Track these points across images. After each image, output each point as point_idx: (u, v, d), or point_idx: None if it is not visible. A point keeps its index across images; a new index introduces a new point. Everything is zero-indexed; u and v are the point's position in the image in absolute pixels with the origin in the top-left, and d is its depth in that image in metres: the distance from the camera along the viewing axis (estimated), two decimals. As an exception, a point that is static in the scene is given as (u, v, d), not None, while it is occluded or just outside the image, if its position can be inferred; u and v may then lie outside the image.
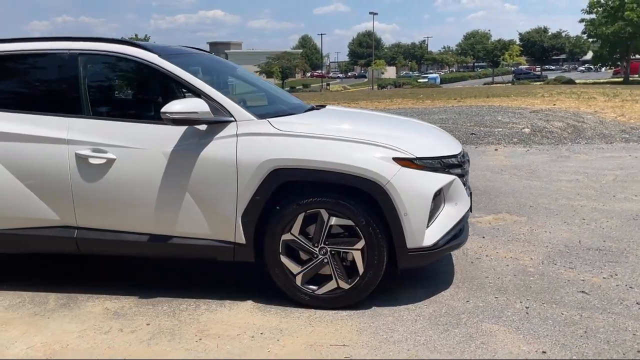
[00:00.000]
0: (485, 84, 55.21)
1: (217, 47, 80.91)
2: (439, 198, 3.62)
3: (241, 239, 3.64)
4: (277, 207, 3.58)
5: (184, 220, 3.70)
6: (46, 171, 3.79)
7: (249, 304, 3.77)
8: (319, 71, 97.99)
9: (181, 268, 4.58)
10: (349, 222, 3.51)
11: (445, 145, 3.91)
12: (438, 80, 63.38)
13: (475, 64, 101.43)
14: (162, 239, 3.77)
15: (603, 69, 65.06)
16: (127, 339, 3.33)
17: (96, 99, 4.01)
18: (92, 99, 3.93)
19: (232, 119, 3.64)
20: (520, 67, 75.71)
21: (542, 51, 74.81)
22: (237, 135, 3.60)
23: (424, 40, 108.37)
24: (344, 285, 3.59)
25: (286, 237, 3.61)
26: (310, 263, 3.62)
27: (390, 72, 79.27)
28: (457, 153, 3.82)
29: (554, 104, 16.91)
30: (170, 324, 3.51)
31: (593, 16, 48.06)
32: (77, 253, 3.95)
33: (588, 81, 49.67)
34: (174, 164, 3.65)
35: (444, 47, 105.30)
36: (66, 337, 3.36)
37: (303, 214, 3.55)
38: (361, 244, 3.52)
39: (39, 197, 3.82)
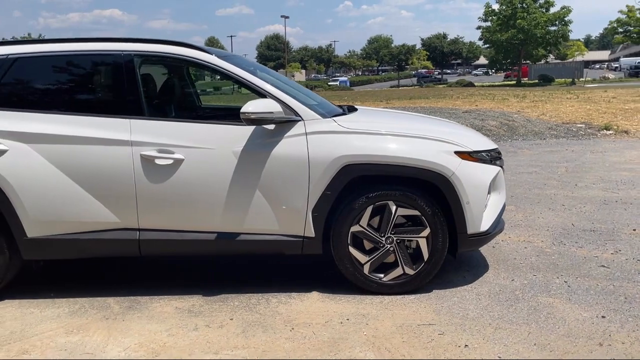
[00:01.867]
0: (392, 86, 57.33)
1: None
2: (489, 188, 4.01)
3: (311, 232, 3.82)
4: (349, 201, 3.79)
5: (253, 217, 3.82)
6: (108, 173, 3.76)
7: (316, 294, 3.95)
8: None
9: (217, 265, 4.66)
10: (415, 212, 3.80)
11: (486, 140, 4.30)
12: (348, 83, 64.96)
13: (380, 68, 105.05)
14: (230, 236, 3.87)
15: (494, 72, 69.52)
16: (220, 333, 3.42)
17: (155, 99, 4.02)
18: (151, 100, 3.94)
19: (300, 118, 3.81)
20: (419, 70, 79.40)
21: (442, 56, 79.00)
22: (306, 134, 3.78)
23: (331, 44, 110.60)
24: (410, 271, 3.87)
25: (354, 228, 3.83)
26: (377, 252, 3.87)
27: (299, 76, 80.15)
28: (496, 147, 4.22)
29: (476, 105, 18.10)
30: (253, 318, 3.62)
31: (489, 24, 51.43)
32: (137, 255, 3.93)
33: (485, 84, 53.15)
34: (244, 162, 3.76)
35: (350, 51, 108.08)
36: (157, 337, 3.39)
37: (372, 206, 3.80)
38: (426, 231, 3.82)
39: (99, 200, 3.79)
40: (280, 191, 3.77)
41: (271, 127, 3.79)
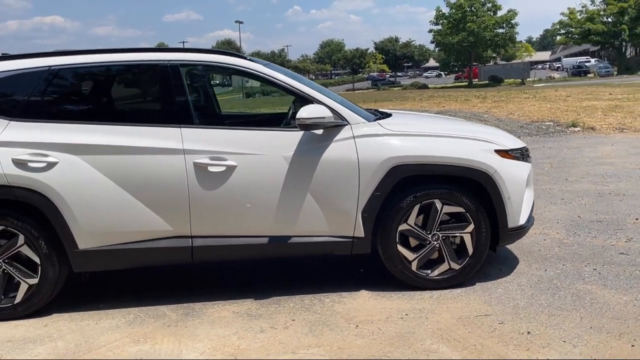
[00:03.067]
0: (347, 90, 57.92)
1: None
2: (523, 183, 4.23)
3: (360, 232, 3.94)
4: (396, 201, 3.94)
5: (305, 219, 3.91)
6: (161, 182, 3.79)
7: (365, 293, 4.08)
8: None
9: (251, 270, 4.72)
10: (460, 209, 3.99)
11: (516, 139, 4.53)
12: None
13: (333, 72, 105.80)
14: (282, 239, 3.95)
15: (445, 74, 71.24)
16: (288, 333, 3.50)
17: (202, 107, 4.06)
18: (199, 108, 3.99)
19: (347, 122, 3.94)
20: (371, 74, 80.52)
21: (395, 59, 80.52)
22: (354, 137, 3.91)
23: (283, 49, 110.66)
24: (455, 266, 4.05)
25: (402, 227, 3.98)
26: (424, 249, 4.03)
27: (252, 81, 79.71)
28: (525, 145, 4.46)
29: (443, 106, 18.59)
30: (314, 317, 3.72)
31: (440, 27, 52.74)
32: (188, 262, 3.96)
33: (438, 85, 54.46)
34: (295, 167, 3.86)
35: (302, 56, 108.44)
36: (228, 341, 3.44)
37: (418, 205, 3.96)
38: (471, 227, 4.01)
39: (152, 209, 3.81)
40: (331, 194, 3.88)
41: (319, 131, 3.90)
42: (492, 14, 50.51)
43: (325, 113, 3.80)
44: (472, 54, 53.07)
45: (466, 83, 53.96)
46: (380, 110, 5.02)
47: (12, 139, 3.73)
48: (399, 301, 3.91)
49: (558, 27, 55.71)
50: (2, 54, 4.35)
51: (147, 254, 3.87)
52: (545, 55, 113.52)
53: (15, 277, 3.82)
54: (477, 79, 56.70)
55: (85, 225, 3.75)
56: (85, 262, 3.84)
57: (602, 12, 52.88)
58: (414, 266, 4.03)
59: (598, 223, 5.56)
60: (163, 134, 3.82)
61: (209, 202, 3.83)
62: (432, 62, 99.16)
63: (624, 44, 54.50)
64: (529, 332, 3.36)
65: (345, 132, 3.92)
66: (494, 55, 54.84)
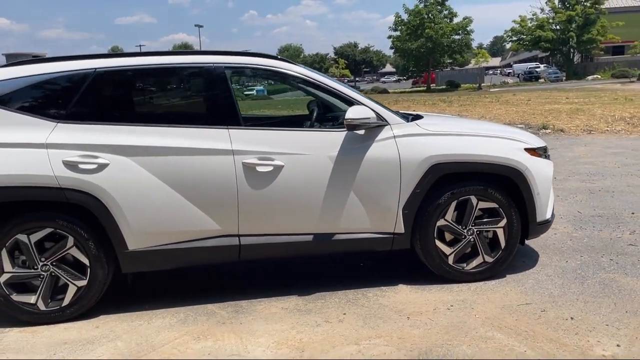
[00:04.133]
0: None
1: (16, 57, 72.99)
2: (547, 180, 4.48)
3: (401, 229, 4.11)
4: (434, 198, 4.12)
5: (348, 217, 4.05)
6: (211, 182, 3.85)
7: (404, 287, 4.24)
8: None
9: (279, 267, 4.83)
10: (494, 205, 4.20)
11: (538, 138, 4.79)
12: (265, 92, 64.96)
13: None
14: (326, 237, 4.07)
15: (404, 79, 72.39)
16: (345, 326, 3.62)
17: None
18: (244, 110, 4.07)
19: (387, 122, 4.10)
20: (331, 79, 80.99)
21: (354, 64, 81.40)
22: (394, 137, 4.07)
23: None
24: (489, 259, 4.26)
25: (440, 223, 4.17)
26: (460, 243, 4.22)
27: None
28: (545, 144, 4.72)
29: (414, 110, 18.97)
30: (363, 311, 3.85)
31: (398, 33, 53.67)
32: (235, 260, 4.04)
33: (397, 90, 55.31)
34: (340, 166, 3.99)
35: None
36: (288, 335, 3.54)
37: (456, 201, 4.15)
38: (503, 222, 4.23)
39: (201, 209, 3.86)
40: (374, 192, 4.03)
41: (361, 132, 4.04)
42: (448, 20, 51.79)
43: (370, 114, 3.95)
44: (429, 59, 54.19)
45: (424, 88, 55.05)
46: (406, 112, 5.19)
47: (62, 140, 3.73)
48: (439, 293, 4.09)
49: (510, 34, 57.45)
50: (34, 56, 4.33)
51: (195, 254, 3.92)
52: (495, 61, 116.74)
53: (64, 279, 3.80)
54: (434, 84, 57.91)
55: (135, 226, 3.78)
56: (134, 263, 3.87)
57: (551, 20, 54.86)
58: (450, 260, 4.22)
59: (599, 218, 5.89)
60: (212, 135, 3.88)
61: (257, 201, 3.91)
62: (388, 68, 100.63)
63: (571, 50, 56.67)
64: (572, 318, 3.59)
65: (385, 132, 4.07)
66: (449, 60, 56.13)
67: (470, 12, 66.74)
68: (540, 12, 55.59)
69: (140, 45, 75.85)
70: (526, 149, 4.26)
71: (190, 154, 3.83)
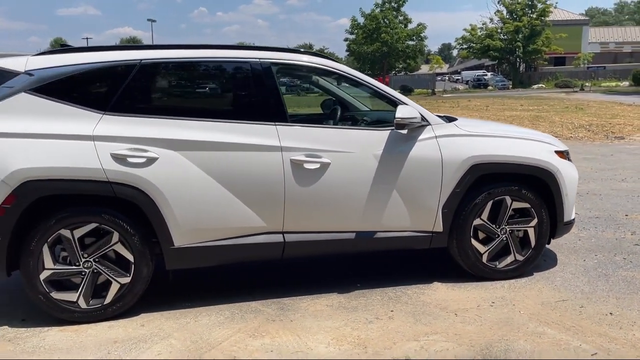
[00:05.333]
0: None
1: (-48, 50, 69.33)
2: (570, 182, 4.66)
3: (439, 227, 4.19)
4: (472, 197, 4.22)
5: (390, 215, 4.10)
6: (259, 178, 3.82)
7: (439, 285, 4.33)
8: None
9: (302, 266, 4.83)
10: (526, 205, 4.34)
11: (561, 142, 4.98)
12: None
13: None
14: (369, 234, 4.11)
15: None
16: (397, 323, 3.67)
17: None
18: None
19: (428, 122, 4.18)
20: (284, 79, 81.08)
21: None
22: (436, 137, 4.15)
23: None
24: (520, 258, 4.40)
25: (476, 222, 4.28)
26: (494, 242, 4.35)
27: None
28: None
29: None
30: (409, 308, 3.91)
31: (354, 36, 54.28)
32: (278, 258, 4.01)
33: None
34: (384, 165, 4.03)
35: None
36: (344, 331, 3.55)
37: (492, 201, 4.27)
38: (534, 221, 4.38)
39: (248, 205, 3.83)
40: (416, 191, 4.10)
41: (404, 131, 4.10)
42: (403, 26, 52.76)
43: (416, 114, 4.02)
44: (384, 63, 55.02)
45: (378, 92, 55.69)
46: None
47: (109, 132, 3.61)
48: (476, 291, 4.19)
49: (461, 42, 59.10)
50: (62, 45, 4.18)
51: (240, 250, 3.88)
52: (443, 67, 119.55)
53: (106, 276, 3.68)
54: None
55: (182, 222, 3.70)
56: (179, 260, 3.79)
57: (499, 30, 56.78)
58: (484, 258, 4.33)
59: (597, 219, 6.17)
60: (260, 131, 3.85)
61: (303, 198, 3.91)
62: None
63: (518, 59, 58.83)
64: (611, 313, 3.75)
65: (427, 132, 4.15)
66: (403, 65, 57.17)
67: (419, 20, 68.10)
68: (490, 22, 57.40)
69: (87, 38, 73.42)
70: (556, 152, 4.43)
71: (239, 150, 3.78)
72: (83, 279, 3.65)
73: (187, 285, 4.43)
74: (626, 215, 6.30)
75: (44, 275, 3.58)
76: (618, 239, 5.43)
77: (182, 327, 3.64)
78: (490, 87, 55.77)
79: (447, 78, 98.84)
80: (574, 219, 4.59)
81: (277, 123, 3.89)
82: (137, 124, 3.67)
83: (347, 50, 57.43)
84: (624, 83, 51.31)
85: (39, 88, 3.61)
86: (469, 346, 3.34)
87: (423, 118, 4.14)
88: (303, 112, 6.13)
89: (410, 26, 53.35)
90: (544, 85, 54.15)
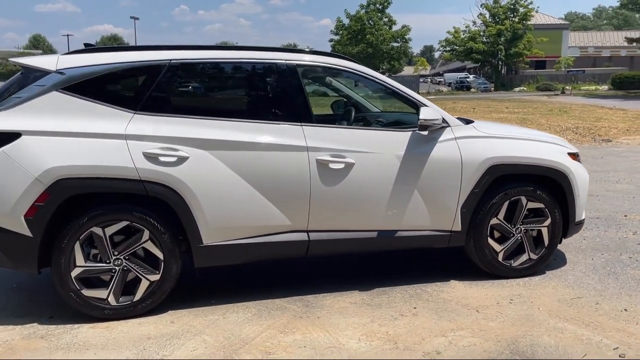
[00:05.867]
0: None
1: None
2: (580, 182, 4.81)
3: (458, 227, 4.30)
4: (489, 198, 4.34)
5: (411, 214, 4.20)
6: (286, 178, 3.89)
7: (456, 282, 4.43)
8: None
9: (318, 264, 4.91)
10: (540, 205, 4.47)
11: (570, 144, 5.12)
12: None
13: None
14: (390, 233, 4.20)
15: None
16: (422, 319, 3.76)
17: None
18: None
19: (448, 124, 4.29)
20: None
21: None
22: (455, 139, 4.26)
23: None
24: (533, 256, 4.53)
25: (493, 221, 4.39)
26: (509, 241, 4.47)
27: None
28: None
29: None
30: (431, 305, 4.00)
31: (339, 37, 54.47)
32: (302, 256, 4.09)
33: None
34: (406, 165, 4.13)
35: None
36: (372, 328, 3.64)
37: (508, 201, 4.40)
38: (548, 221, 4.51)
39: (274, 204, 3.89)
40: (436, 191, 4.20)
41: (425, 132, 4.20)
42: (388, 28, 53.09)
43: (438, 115, 4.12)
44: (370, 64, 55.27)
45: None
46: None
47: (140, 132, 3.65)
48: (493, 289, 4.31)
49: (444, 44, 59.62)
50: (85, 45, 4.21)
51: (265, 249, 3.94)
52: (427, 69, 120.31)
53: (136, 273, 3.72)
54: (371, 89, 58.97)
55: (211, 221, 3.75)
56: (207, 258, 3.84)
57: (482, 33, 57.42)
58: (500, 257, 4.45)
59: (597, 220, 6.34)
60: (287, 131, 3.92)
61: (328, 197, 3.98)
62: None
63: (500, 62, 59.54)
64: (625, 310, 3.89)
65: (447, 134, 4.25)
66: (387, 67, 57.50)
67: (402, 22, 68.65)
68: (473, 25, 58.01)
69: (67, 35, 72.29)
70: (569, 153, 4.57)
71: (266, 150, 3.85)
72: (113, 276, 3.68)
73: (207, 283, 4.47)
74: (625, 216, 6.49)
75: (75, 272, 3.61)
76: (621, 238, 5.60)
77: (211, 323, 3.69)
78: (473, 90, 56.39)
79: (429, 80, 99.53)
80: (584, 219, 4.73)
81: (303, 123, 3.96)
82: (167, 123, 3.72)
83: (331, 51, 57.60)
84: (603, 87, 52.33)
85: (70, 87, 3.64)
86: (495, 341, 3.44)
87: (443, 120, 4.24)
88: (316, 112, 6.19)
89: (394, 28, 53.67)
90: (525, 88, 54.90)
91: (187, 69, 3.93)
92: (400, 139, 4.16)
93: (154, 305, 3.78)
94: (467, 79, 62.54)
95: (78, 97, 3.63)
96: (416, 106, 4.23)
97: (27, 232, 3.48)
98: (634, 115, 22.17)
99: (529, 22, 55.81)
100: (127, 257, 3.69)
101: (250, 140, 3.82)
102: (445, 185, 4.20)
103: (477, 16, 57.70)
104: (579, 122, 18.31)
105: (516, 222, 4.44)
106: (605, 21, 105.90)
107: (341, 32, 53.71)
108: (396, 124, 4.80)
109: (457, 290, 4.29)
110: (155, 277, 3.74)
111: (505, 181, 4.37)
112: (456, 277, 4.52)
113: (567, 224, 4.58)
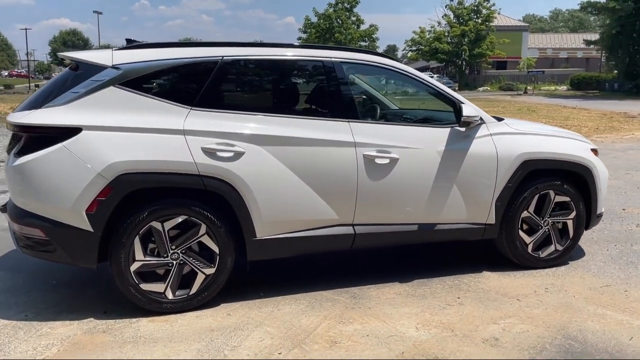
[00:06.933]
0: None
1: None
2: (598, 177, 5.05)
3: (492, 219, 4.48)
4: (521, 192, 4.53)
5: (450, 208, 4.35)
6: (335, 173, 3.98)
7: (489, 274, 4.60)
8: (22, 70, 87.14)
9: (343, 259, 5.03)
10: (566, 199, 4.69)
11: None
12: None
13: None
14: (429, 226, 4.35)
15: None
16: (470, 308, 3.91)
17: (362, 103, 4.31)
18: (360, 104, 4.25)
19: (483, 121, 4.46)
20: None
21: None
22: (491, 135, 4.43)
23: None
24: (559, 248, 4.75)
25: (524, 214, 4.59)
26: (538, 233, 4.67)
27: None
28: (593, 146, 5.31)
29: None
30: (474, 295, 4.16)
31: (307, 35, 54.56)
32: (347, 249, 4.19)
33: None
34: (445, 160, 4.28)
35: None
36: (425, 317, 3.77)
37: (538, 195, 4.60)
38: (573, 214, 4.73)
39: (323, 198, 3.98)
40: (473, 185, 4.37)
41: (463, 129, 4.36)
42: (356, 27, 53.47)
43: (477, 113, 4.29)
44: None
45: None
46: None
47: (198, 127, 3.69)
48: (525, 279, 4.50)
49: (410, 44, 60.41)
50: (128, 40, 4.21)
51: (314, 242, 4.03)
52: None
53: (192, 267, 3.76)
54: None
55: (265, 215, 3.82)
56: (260, 251, 3.90)
57: (447, 34, 58.43)
58: (529, 248, 4.65)
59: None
60: (335, 127, 4.02)
61: (373, 191, 4.10)
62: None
63: (464, 62, 60.69)
64: (654, 296, 4.14)
65: (483, 130, 4.42)
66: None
67: (365, 21, 69.07)
68: (438, 26, 58.95)
69: (25, 29, 70.17)
70: (592, 150, 4.80)
71: (317, 145, 3.94)
72: (170, 270, 3.71)
73: (251, 276, 4.52)
74: (623, 210, 6.81)
75: (134, 266, 3.62)
76: (627, 230, 5.89)
77: (268, 315, 3.76)
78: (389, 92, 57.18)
79: (393, 80, 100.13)
80: (603, 212, 4.98)
81: (349, 120, 4.06)
82: (223, 118, 3.76)
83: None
84: (562, 87, 53.98)
85: (127, 82, 3.64)
86: (545, 328, 3.62)
87: (479, 117, 4.41)
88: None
89: (362, 27, 54.10)
90: (489, 88, 56.14)
91: (239, 66, 3.98)
92: (440, 135, 4.30)
93: (209, 298, 3.82)
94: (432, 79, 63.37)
95: (135, 93, 3.65)
96: (455, 104, 4.38)
97: (88, 227, 3.48)
98: (598, 114, 22.98)
99: (491, 24, 57.04)
100: (183, 251, 3.72)
101: (301, 135, 3.90)
102: (482, 180, 4.37)
103: (442, 17, 58.70)
104: (550, 121, 18.87)
105: (544, 215, 4.64)
106: (561, 23, 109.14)
107: (309, 30, 53.82)
108: (425, 122, 4.94)
109: (491, 280, 4.46)
110: (210, 271, 3.78)
111: (534, 176, 4.56)
112: (486, 268, 4.70)
113: (589, 216, 4.81)
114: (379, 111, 5.14)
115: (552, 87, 54.52)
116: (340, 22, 52.56)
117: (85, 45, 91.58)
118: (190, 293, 3.77)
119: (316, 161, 3.93)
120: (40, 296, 4.09)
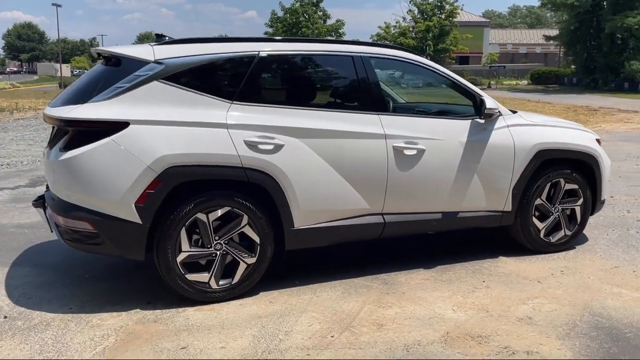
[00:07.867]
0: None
1: None
2: (600, 166, 5.35)
3: (509, 207, 4.72)
4: (534, 180, 4.77)
5: (471, 196, 4.57)
6: (367, 164, 4.14)
7: (506, 259, 4.83)
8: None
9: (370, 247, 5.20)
10: (575, 186, 4.97)
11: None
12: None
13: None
14: (452, 214, 4.55)
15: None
16: (497, 291, 4.13)
17: (390, 96, 4.47)
18: (388, 97, 4.41)
19: (500, 113, 4.69)
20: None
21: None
22: (508, 126, 4.66)
23: (95, 38, 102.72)
24: (568, 233, 5.02)
25: (537, 202, 4.84)
26: (549, 219, 4.94)
27: (66, 70, 73.49)
28: (594, 136, 5.60)
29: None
30: (496, 279, 4.38)
31: (273, 30, 54.31)
32: (376, 238, 4.36)
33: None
34: (467, 151, 4.49)
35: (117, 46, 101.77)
36: (458, 299, 3.97)
37: (550, 183, 4.86)
38: (581, 201, 5.01)
39: (356, 189, 4.14)
40: (493, 174, 4.59)
41: (481, 121, 4.57)
42: (322, 22, 53.55)
43: (496, 105, 4.50)
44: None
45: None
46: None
47: (239, 121, 3.79)
48: (540, 262, 4.75)
49: (376, 39, 60.85)
50: (158, 35, 4.27)
51: (347, 231, 4.18)
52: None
53: (234, 257, 3.86)
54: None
55: (303, 205, 3.95)
56: (297, 240, 4.03)
57: (411, 29, 59.12)
58: (542, 234, 4.91)
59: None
60: (366, 120, 4.17)
61: (402, 181, 4.27)
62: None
63: (428, 58, 61.54)
64: (661, 277, 4.44)
65: (500, 122, 4.64)
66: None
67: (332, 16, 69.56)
68: (403, 21, 59.58)
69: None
70: (597, 140, 5.09)
71: (350, 137, 4.08)
72: (214, 260, 3.80)
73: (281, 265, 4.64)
74: (612, 197, 7.17)
75: (180, 257, 3.70)
76: (620, 216, 6.24)
77: (309, 301, 3.90)
78: (403, 85, 57.90)
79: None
80: (605, 198, 5.28)
81: (379, 112, 4.22)
82: (262, 112, 3.87)
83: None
84: (523, 81, 55.34)
85: (170, 77, 3.71)
86: (571, 306, 3.87)
87: (499, 109, 4.63)
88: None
89: (329, 22, 54.21)
90: (453, 83, 57.05)
91: (275, 60, 4.09)
92: (462, 126, 4.50)
93: (250, 286, 3.93)
94: (394, 74, 64.11)
95: (178, 87, 3.72)
96: (475, 97, 4.58)
97: (137, 219, 3.54)
98: (562, 108, 23.82)
99: (454, 19, 57.99)
100: (226, 242, 3.82)
101: (335, 128, 4.04)
102: (501, 169, 4.59)
103: (407, 12, 59.37)
104: (521, 115, 19.43)
105: (555, 202, 4.91)
106: (519, 19, 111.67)
107: (276, 24, 53.61)
108: (440, 114, 5.14)
109: (509, 265, 4.69)
110: (252, 260, 3.89)
111: (547, 165, 4.81)
112: (502, 253, 4.93)
113: (594, 202, 5.10)
114: (391, 104, 5.31)
115: (514, 82, 55.80)
116: (307, 16, 52.52)
117: (41, 38, 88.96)
118: (233, 282, 3.87)
119: (349, 153, 4.07)
120: (77, 290, 4.12)
